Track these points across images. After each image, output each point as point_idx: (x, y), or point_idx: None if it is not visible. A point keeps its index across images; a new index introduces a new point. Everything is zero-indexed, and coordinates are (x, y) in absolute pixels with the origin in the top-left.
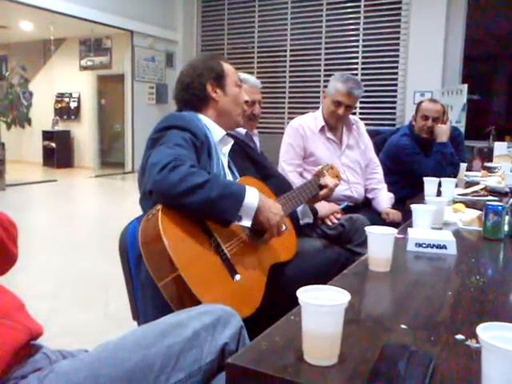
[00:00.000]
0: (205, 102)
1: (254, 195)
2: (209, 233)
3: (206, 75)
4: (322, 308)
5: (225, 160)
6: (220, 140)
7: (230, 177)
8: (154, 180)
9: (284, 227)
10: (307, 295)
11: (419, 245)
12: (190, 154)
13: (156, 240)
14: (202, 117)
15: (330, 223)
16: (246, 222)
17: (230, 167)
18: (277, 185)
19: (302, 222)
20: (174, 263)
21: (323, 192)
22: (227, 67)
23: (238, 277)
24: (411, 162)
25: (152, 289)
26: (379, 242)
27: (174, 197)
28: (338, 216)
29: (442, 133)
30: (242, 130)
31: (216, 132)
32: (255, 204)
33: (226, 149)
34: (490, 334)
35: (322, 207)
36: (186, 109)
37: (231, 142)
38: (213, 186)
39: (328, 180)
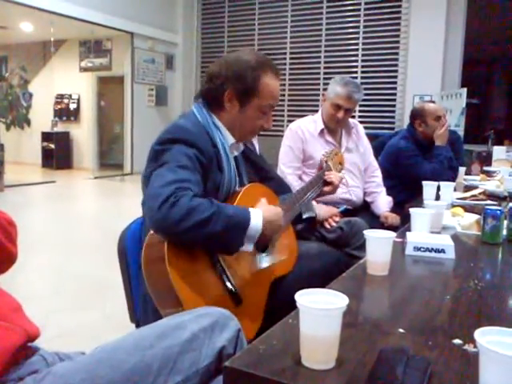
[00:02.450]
0: (218, 105)
1: (257, 219)
2: (213, 256)
3: (232, 82)
4: (319, 312)
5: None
6: (230, 146)
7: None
8: (155, 219)
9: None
10: (305, 299)
11: (418, 249)
12: (195, 176)
13: (161, 272)
14: (215, 119)
15: (328, 226)
16: (248, 248)
17: (240, 173)
18: (276, 187)
19: (304, 216)
20: (180, 300)
21: (328, 188)
22: (264, 87)
23: (241, 304)
24: (410, 165)
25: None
26: (377, 245)
27: (177, 234)
28: (337, 219)
29: (441, 136)
30: None
31: (228, 138)
32: (259, 228)
33: (236, 152)
34: (487, 338)
35: (321, 210)
36: (204, 101)
37: (241, 148)
38: (217, 220)
39: (333, 176)
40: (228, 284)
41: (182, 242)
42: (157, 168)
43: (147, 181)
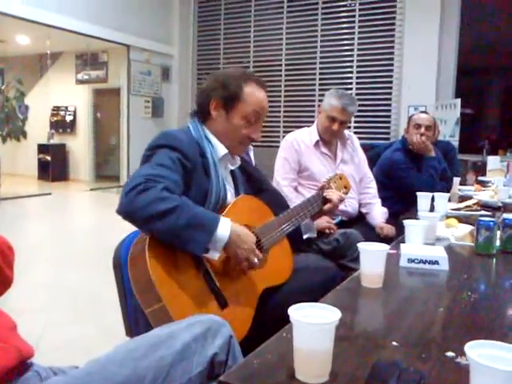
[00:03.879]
0: (205, 114)
1: (225, 227)
2: (198, 258)
3: (217, 90)
4: (312, 326)
5: (229, 178)
6: (222, 158)
7: (232, 198)
8: (120, 202)
9: (257, 260)
10: (298, 313)
11: (411, 260)
12: (172, 175)
13: (141, 268)
14: (206, 130)
15: (328, 231)
16: (213, 255)
17: (237, 186)
18: (270, 198)
19: (305, 237)
20: (160, 295)
21: (327, 206)
22: (248, 95)
23: (226, 306)
24: (404, 177)
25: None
26: (371, 258)
27: (139, 221)
28: (333, 226)
29: (428, 148)
30: None
31: (218, 149)
32: (225, 238)
33: (232, 166)
34: (478, 352)
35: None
36: (195, 116)
37: (238, 162)
38: (181, 213)
39: (331, 193)
40: (210, 279)
41: (146, 230)
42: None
43: None
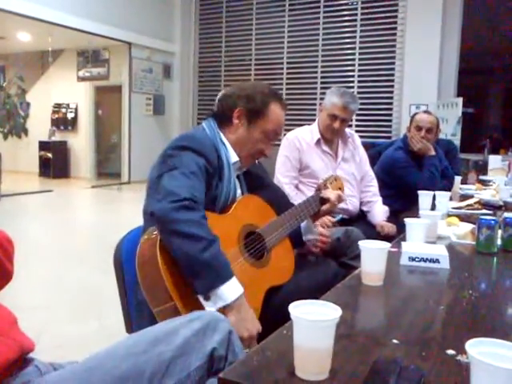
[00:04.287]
0: (227, 121)
1: (234, 291)
2: None
3: (243, 101)
4: (312, 323)
5: (236, 181)
6: (233, 164)
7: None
8: (164, 207)
9: (254, 343)
10: (299, 310)
11: (412, 259)
12: (201, 184)
13: (152, 266)
14: (222, 136)
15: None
16: (209, 306)
17: (242, 192)
18: (271, 196)
19: (305, 239)
20: (171, 294)
21: (325, 207)
22: (272, 112)
23: None
24: (405, 176)
25: (149, 309)
26: (372, 256)
27: (169, 232)
28: (330, 223)
29: (428, 148)
30: None
31: (232, 155)
32: (230, 299)
33: (238, 172)
34: (478, 349)
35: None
36: (214, 119)
37: (244, 169)
38: (210, 249)
39: (329, 193)
40: None
41: (167, 241)
42: (168, 171)
43: (156, 182)
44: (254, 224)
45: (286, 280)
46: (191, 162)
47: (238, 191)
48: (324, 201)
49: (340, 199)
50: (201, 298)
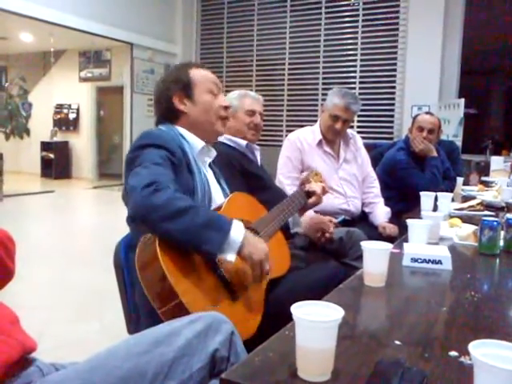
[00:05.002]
0: (175, 114)
1: (239, 229)
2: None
3: (173, 87)
4: (314, 324)
5: (209, 172)
6: (199, 152)
7: (216, 191)
8: (135, 203)
9: (267, 267)
10: (301, 311)
11: (415, 260)
12: (169, 172)
13: (153, 264)
14: (179, 129)
15: (328, 235)
16: (230, 257)
17: (218, 180)
18: (273, 197)
19: (292, 231)
20: (175, 290)
21: (312, 200)
22: (196, 75)
23: (237, 299)
24: (406, 177)
25: (149, 310)
26: (374, 257)
27: (156, 221)
28: (331, 230)
29: (430, 149)
30: (242, 142)
31: (195, 144)
32: (240, 238)
33: (210, 158)
34: (482, 351)
35: (307, 224)
36: (163, 122)
37: (214, 153)
38: (199, 212)
39: (314, 186)
40: (221, 274)
41: (160, 231)
42: (131, 171)
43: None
44: (247, 220)
45: (284, 272)
46: (153, 156)
47: (212, 180)
48: (310, 194)
49: (324, 191)
50: (218, 257)
